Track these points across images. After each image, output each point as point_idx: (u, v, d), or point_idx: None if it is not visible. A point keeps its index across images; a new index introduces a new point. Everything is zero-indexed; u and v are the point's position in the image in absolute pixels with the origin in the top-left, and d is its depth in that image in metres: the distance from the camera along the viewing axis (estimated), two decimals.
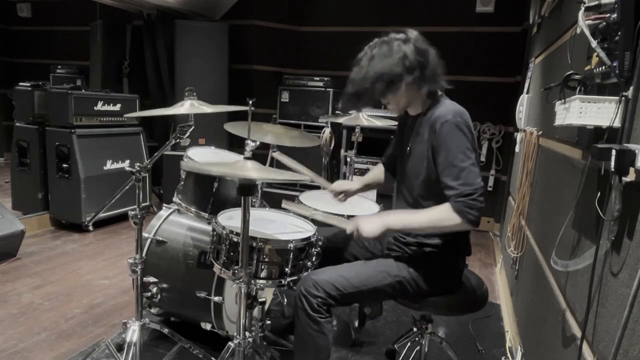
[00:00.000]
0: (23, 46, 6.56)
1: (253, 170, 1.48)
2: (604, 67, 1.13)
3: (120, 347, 1.98)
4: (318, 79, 4.72)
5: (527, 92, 3.02)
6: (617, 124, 1.07)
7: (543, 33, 2.84)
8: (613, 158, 0.98)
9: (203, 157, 2.23)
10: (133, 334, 1.84)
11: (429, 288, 1.60)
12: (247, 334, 1.65)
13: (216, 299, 2.00)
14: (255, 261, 1.63)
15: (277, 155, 2.27)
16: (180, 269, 2.12)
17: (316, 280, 1.52)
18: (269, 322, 2.03)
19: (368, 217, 1.58)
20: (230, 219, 1.84)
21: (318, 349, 1.53)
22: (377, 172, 2.02)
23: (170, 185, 4.24)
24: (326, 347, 1.54)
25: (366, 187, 2.02)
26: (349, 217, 2.06)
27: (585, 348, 1.18)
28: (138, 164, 1.80)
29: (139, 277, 1.87)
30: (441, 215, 1.45)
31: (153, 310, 2.29)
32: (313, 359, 1.55)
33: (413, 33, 1.54)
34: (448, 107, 1.52)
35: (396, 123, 1.87)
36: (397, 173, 1.80)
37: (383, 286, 1.57)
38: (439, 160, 1.48)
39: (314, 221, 1.91)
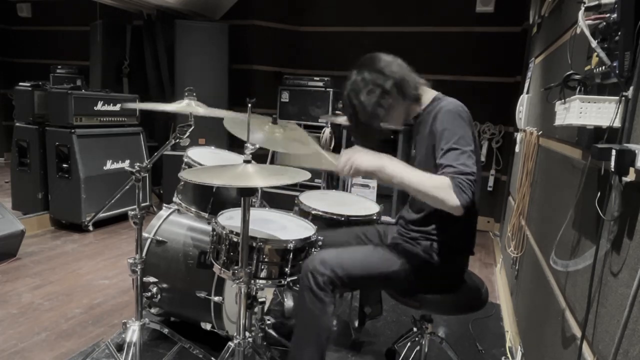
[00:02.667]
0: (23, 46, 6.56)
1: (254, 175, 1.49)
2: (604, 67, 1.13)
3: (120, 347, 1.98)
4: (318, 79, 4.72)
5: (527, 92, 3.02)
6: (617, 124, 1.07)
7: (543, 33, 2.84)
8: (613, 158, 0.98)
9: (203, 158, 2.23)
10: (133, 334, 1.84)
11: (432, 284, 1.60)
12: (247, 334, 1.65)
13: (216, 299, 2.00)
14: (255, 261, 1.63)
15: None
16: (180, 269, 2.12)
17: (324, 258, 1.52)
18: (269, 321, 2.03)
19: (364, 151, 1.51)
20: (230, 219, 1.84)
21: (319, 329, 1.52)
22: None
23: (170, 185, 4.24)
24: (327, 328, 1.53)
25: None
26: (349, 217, 2.07)
27: (585, 348, 1.18)
28: (138, 164, 1.80)
29: (139, 277, 1.87)
30: (437, 184, 1.37)
31: (153, 310, 2.29)
32: (314, 339, 1.53)
33: (378, 56, 1.60)
34: (449, 100, 1.58)
35: None
36: None
37: (389, 273, 1.57)
38: (440, 146, 1.46)
39: (314, 219, 1.91)
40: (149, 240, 2.18)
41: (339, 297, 1.63)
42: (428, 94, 1.64)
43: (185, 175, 1.49)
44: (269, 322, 2.04)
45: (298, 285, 1.62)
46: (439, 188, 1.36)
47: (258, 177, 1.49)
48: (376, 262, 1.58)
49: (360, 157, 1.45)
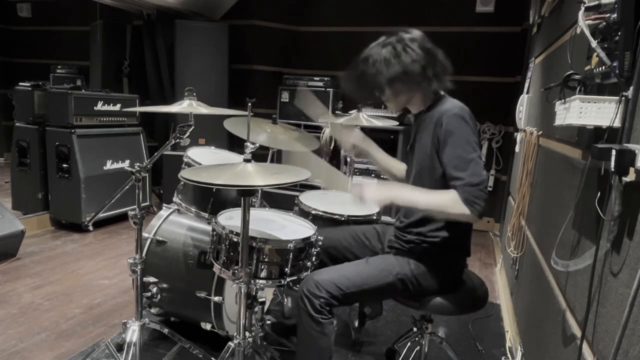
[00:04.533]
0: (23, 46, 6.56)
1: (254, 175, 1.49)
2: (604, 67, 1.13)
3: (120, 347, 1.98)
4: (318, 79, 4.72)
5: (527, 92, 3.02)
6: (617, 124, 1.07)
7: (543, 33, 2.84)
8: (613, 158, 0.98)
9: (203, 158, 2.23)
10: (133, 334, 1.84)
11: (430, 286, 1.60)
12: (247, 334, 1.65)
13: (216, 299, 2.00)
14: (255, 261, 1.62)
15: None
16: (180, 269, 2.12)
17: (318, 281, 1.52)
18: (269, 321, 2.03)
19: (374, 184, 1.54)
20: (230, 218, 1.84)
21: (320, 350, 1.53)
22: (400, 165, 1.96)
23: (170, 185, 4.24)
24: (328, 349, 1.54)
25: (379, 159, 1.96)
26: (349, 217, 2.07)
27: (585, 348, 1.18)
28: (138, 164, 1.80)
29: (139, 277, 1.87)
30: (448, 202, 1.43)
31: (153, 310, 2.29)
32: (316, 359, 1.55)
33: (418, 33, 1.58)
34: (454, 103, 1.56)
35: (396, 123, 1.88)
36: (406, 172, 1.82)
37: (385, 284, 1.57)
38: (446, 153, 1.47)
39: (314, 219, 1.91)
40: (149, 240, 2.18)
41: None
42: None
43: (185, 175, 1.48)
44: (269, 322, 2.03)
45: (297, 287, 1.62)
46: (451, 206, 1.42)
47: (258, 176, 1.49)
48: (371, 276, 1.57)
49: (371, 193, 1.49)
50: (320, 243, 1.77)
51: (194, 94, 1.99)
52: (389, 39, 1.57)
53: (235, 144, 4.19)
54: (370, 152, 1.93)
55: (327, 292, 1.50)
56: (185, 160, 2.19)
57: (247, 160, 1.57)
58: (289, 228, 1.85)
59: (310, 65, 5.26)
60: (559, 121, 1.33)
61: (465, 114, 1.49)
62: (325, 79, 4.71)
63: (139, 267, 1.86)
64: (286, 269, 1.66)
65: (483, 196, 1.40)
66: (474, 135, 1.48)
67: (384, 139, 4.40)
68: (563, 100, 1.32)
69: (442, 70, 1.56)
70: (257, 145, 1.81)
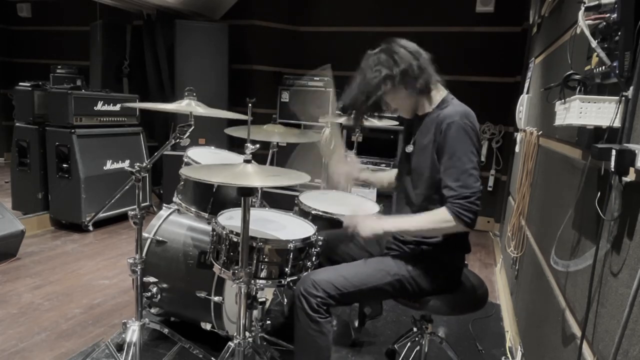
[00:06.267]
0: (23, 46, 6.56)
1: (253, 175, 1.49)
2: (604, 67, 1.13)
3: (120, 347, 1.98)
4: (318, 79, 4.72)
5: (527, 92, 3.02)
6: (617, 124, 1.07)
7: (543, 33, 2.84)
8: (613, 158, 0.98)
9: (203, 158, 2.23)
10: (133, 334, 1.84)
11: (429, 286, 1.60)
12: (247, 334, 1.65)
13: (216, 299, 2.00)
14: (255, 261, 1.63)
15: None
16: (180, 269, 2.12)
17: (315, 280, 1.52)
18: (269, 322, 2.03)
19: (367, 217, 1.59)
20: (230, 219, 1.84)
21: (318, 349, 1.53)
22: (390, 174, 1.99)
23: (170, 185, 4.24)
24: (326, 348, 1.54)
25: (368, 180, 2.00)
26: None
27: (585, 348, 1.18)
28: (138, 164, 1.80)
29: (139, 277, 1.87)
30: (437, 218, 1.49)
31: (153, 310, 2.29)
32: (313, 359, 1.55)
33: (399, 42, 1.61)
34: (456, 108, 1.55)
35: (396, 123, 1.88)
36: (398, 172, 1.80)
37: (383, 285, 1.57)
38: (443, 160, 1.51)
39: (314, 219, 1.92)
40: (149, 240, 2.18)
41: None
42: (439, 94, 1.63)
43: (185, 172, 1.49)
44: (268, 322, 2.03)
45: (295, 287, 1.62)
46: (440, 223, 1.49)
47: (257, 177, 1.50)
48: (368, 277, 1.58)
49: (363, 227, 1.55)
50: (320, 243, 1.77)
51: (194, 94, 1.99)
52: (369, 54, 1.62)
53: (235, 143, 4.20)
54: (369, 178, 1.99)
55: (324, 291, 1.50)
56: (185, 160, 2.19)
57: (247, 161, 1.57)
58: (289, 228, 1.85)
59: (310, 65, 5.24)
60: (559, 121, 1.33)
61: (465, 123, 1.49)
62: (325, 79, 4.70)
63: (139, 267, 1.86)
64: (286, 269, 1.66)
65: (473, 208, 1.44)
66: (472, 145, 1.49)
67: (384, 138, 4.40)
68: (563, 100, 1.32)
69: (422, 77, 1.57)
70: (258, 146, 1.81)
